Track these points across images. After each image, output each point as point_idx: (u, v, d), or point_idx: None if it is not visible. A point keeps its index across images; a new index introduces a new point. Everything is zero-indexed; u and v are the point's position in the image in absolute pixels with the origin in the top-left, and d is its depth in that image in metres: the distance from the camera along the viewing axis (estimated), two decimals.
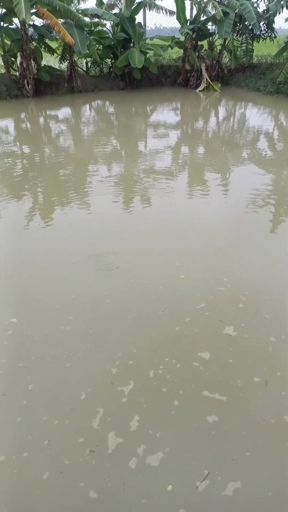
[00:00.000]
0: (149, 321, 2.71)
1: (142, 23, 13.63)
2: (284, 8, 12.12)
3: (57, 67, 13.46)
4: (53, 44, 12.92)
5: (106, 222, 4.21)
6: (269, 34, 13.60)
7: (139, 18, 13.18)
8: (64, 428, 1.93)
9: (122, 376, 2.23)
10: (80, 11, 11.91)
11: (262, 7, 13.08)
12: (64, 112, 10.94)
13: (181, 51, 13.80)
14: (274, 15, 12.28)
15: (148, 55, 13.10)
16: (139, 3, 12.54)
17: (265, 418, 2.08)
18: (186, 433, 1.95)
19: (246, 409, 2.11)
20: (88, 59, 13.69)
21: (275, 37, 13.73)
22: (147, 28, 14.04)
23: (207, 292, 3.00)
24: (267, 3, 12.87)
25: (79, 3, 12.35)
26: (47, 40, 12.43)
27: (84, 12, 12.06)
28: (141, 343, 2.50)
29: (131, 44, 13.00)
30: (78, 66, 13.19)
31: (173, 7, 12.79)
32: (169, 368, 2.30)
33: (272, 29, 13.48)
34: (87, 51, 12.05)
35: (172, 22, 13.28)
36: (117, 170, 5.91)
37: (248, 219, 4.26)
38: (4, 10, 11.24)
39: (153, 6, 12.36)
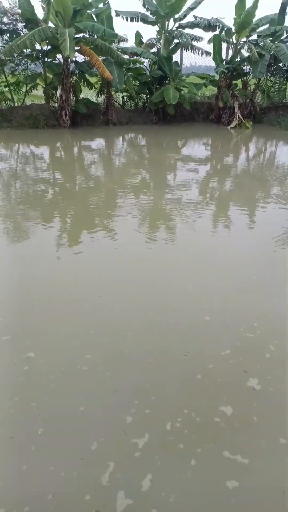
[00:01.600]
0: (170, 365, 2.58)
1: (179, 62, 14.14)
2: None
3: (94, 100, 14.06)
4: (92, 79, 13.56)
5: (131, 258, 4.16)
6: None
7: (176, 57, 13.71)
8: (71, 481, 1.81)
9: (137, 427, 2.10)
10: (120, 50, 12.51)
11: None
12: (98, 142, 11.30)
13: (215, 88, 14.13)
14: None
15: (182, 92, 13.48)
16: (177, 44, 13.06)
17: None
18: (202, 500, 1.78)
19: (270, 475, 1.92)
20: (125, 93, 14.24)
21: None
22: (183, 66, 14.54)
23: (234, 338, 2.85)
24: None
25: (119, 43, 12.98)
26: (86, 75, 13.06)
27: (124, 51, 12.65)
28: (159, 390, 2.37)
29: (167, 81, 13.45)
30: (115, 100, 13.72)
31: (208, 47, 13.25)
32: (188, 422, 2.15)
33: None
34: (124, 86, 12.54)
35: (208, 61, 13.68)
36: (144, 200, 5.93)
37: (277, 258, 4.11)
38: (49, 47, 11.96)
39: (190, 47, 12.82)
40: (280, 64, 13.22)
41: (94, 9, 11.76)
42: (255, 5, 11.76)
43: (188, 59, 14.95)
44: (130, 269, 3.88)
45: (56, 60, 12.39)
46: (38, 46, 11.89)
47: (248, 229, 4.96)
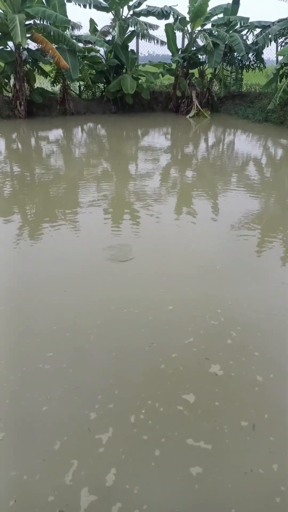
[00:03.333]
0: (134, 357, 2.58)
1: (135, 50, 13.97)
2: (272, 41, 12.61)
3: (50, 89, 13.62)
4: (47, 68, 13.12)
5: (95, 247, 4.11)
6: (258, 65, 14.07)
7: (132, 45, 13.55)
8: (34, 484, 1.76)
9: (101, 422, 2.08)
10: (74, 37, 12.16)
11: (251, 39, 13.57)
12: (56, 133, 10.99)
13: (173, 77, 14.13)
14: (263, 47, 12.75)
15: (140, 81, 13.36)
16: (132, 32, 12.89)
17: (253, 468, 1.94)
18: (167, 488, 1.80)
19: (233, 458, 1.97)
20: (81, 82, 13.91)
21: (264, 67, 14.21)
22: (140, 54, 14.41)
23: (198, 326, 2.89)
24: (255, 36, 13.37)
25: (73, 30, 12.61)
26: (40, 64, 12.61)
27: (78, 38, 12.32)
28: (123, 383, 2.36)
29: (124, 70, 13.27)
30: (71, 89, 13.37)
31: (164, 36, 13.16)
32: (152, 413, 2.16)
33: (261, 60, 13.96)
34: (79, 76, 12.24)
35: (165, 50, 13.62)
36: (107, 192, 5.85)
37: (238, 246, 4.21)
38: None
39: (145, 35, 12.69)
40: (235, 54, 13.41)
41: None
42: None
43: (145, 48, 14.86)
44: (92, 262, 3.82)
45: (8, 48, 11.84)
46: None
47: (209, 218, 5.03)
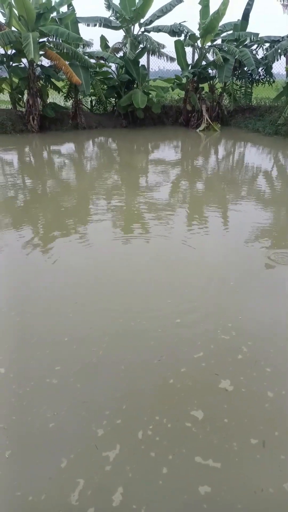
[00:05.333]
0: (143, 371, 2.56)
1: (146, 66, 14.23)
2: (282, 56, 12.71)
3: (62, 104, 13.91)
4: (59, 84, 13.42)
5: (104, 263, 4.12)
6: (268, 79, 14.20)
7: (143, 61, 13.80)
8: (39, 505, 1.73)
9: (108, 439, 2.05)
10: (86, 54, 12.45)
11: (260, 53, 13.74)
12: (68, 147, 11.17)
13: (183, 92, 14.30)
14: (272, 62, 12.85)
15: (150, 95, 13.56)
16: (143, 48, 13.13)
17: (263, 488, 1.89)
18: (174, 508, 1.76)
19: (242, 477, 1.92)
20: (93, 97, 14.17)
21: (273, 81, 14.32)
22: (151, 70, 14.65)
23: (208, 340, 2.86)
24: (265, 51, 13.53)
25: (84, 47, 12.91)
26: (53, 80, 12.92)
27: (90, 55, 12.60)
28: (131, 398, 2.34)
29: (135, 85, 13.50)
30: (83, 104, 13.63)
31: (174, 52, 13.38)
32: (160, 429, 2.13)
33: (271, 74, 14.09)
34: (92, 91, 12.49)
35: (176, 65, 13.82)
36: (117, 202, 5.90)
37: (249, 259, 4.17)
38: (13, 51, 11.75)
39: (156, 51, 12.91)
40: (245, 68, 13.54)
41: (58, 13, 11.67)
42: (221, 12, 11.96)
43: (156, 63, 15.09)
44: (102, 274, 3.83)
45: (22, 64, 12.18)
46: (1, 51, 11.65)
47: (220, 230, 5.01)
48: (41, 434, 2.10)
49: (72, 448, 2.01)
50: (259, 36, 13.08)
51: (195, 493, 1.83)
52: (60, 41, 11.14)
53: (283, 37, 12.71)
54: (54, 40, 11.23)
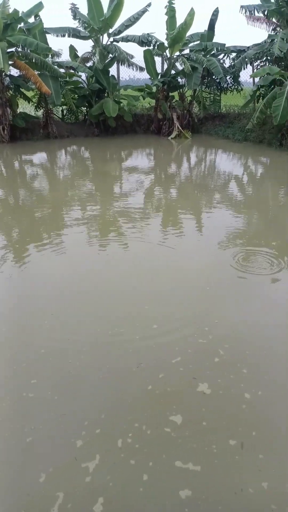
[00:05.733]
0: (122, 379, 2.55)
1: (116, 75, 14.36)
2: (248, 64, 13.17)
3: (33, 114, 13.81)
4: (29, 93, 13.35)
5: (79, 269, 4.10)
6: (236, 87, 14.65)
7: (113, 70, 13.92)
8: None
9: (87, 449, 2.03)
10: (55, 63, 12.45)
11: (227, 62, 14.17)
12: (39, 156, 11.09)
13: (154, 101, 14.50)
14: (239, 70, 13.28)
15: (122, 104, 13.68)
16: (113, 58, 13.26)
17: (243, 488, 1.91)
18: None
19: (222, 478, 1.94)
20: (64, 107, 14.15)
21: (241, 89, 14.78)
22: (121, 78, 14.79)
23: (185, 345, 2.89)
24: (232, 60, 13.97)
25: (52, 57, 12.90)
26: (23, 90, 12.83)
27: (60, 64, 12.61)
28: (110, 407, 2.32)
29: (106, 94, 13.59)
30: (54, 114, 13.59)
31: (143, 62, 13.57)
32: (139, 436, 2.12)
33: (238, 83, 14.56)
34: (62, 100, 12.47)
35: (146, 74, 14.02)
36: (92, 211, 5.88)
37: (223, 264, 4.25)
38: None
39: (125, 61, 13.05)
40: (213, 77, 13.91)
41: (25, 24, 11.65)
42: (188, 23, 12.26)
43: (126, 73, 15.25)
44: (78, 283, 3.81)
45: None
46: None
47: (194, 236, 5.09)
48: (18, 450, 2.05)
49: (51, 461, 1.98)
50: (226, 46, 13.48)
51: (176, 497, 1.83)
52: (29, 51, 11.10)
53: (248, 47, 13.15)
54: (22, 50, 11.19)
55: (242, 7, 11.99)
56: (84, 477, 1.89)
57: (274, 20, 11.93)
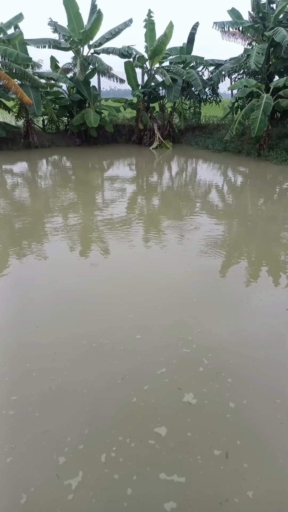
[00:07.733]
0: (106, 392, 2.51)
1: (97, 86, 14.46)
2: (226, 77, 13.51)
3: (13, 123, 13.72)
4: (9, 103, 13.27)
5: (62, 281, 4.05)
6: (215, 99, 14.98)
7: (94, 81, 14.01)
8: None
9: (70, 466, 1.98)
10: (36, 74, 12.44)
11: (206, 75, 14.49)
12: (20, 166, 10.99)
13: (135, 111, 14.65)
14: (218, 82, 13.60)
15: (103, 114, 13.76)
16: (93, 69, 13.36)
17: (228, 498, 1.90)
18: None
19: (207, 489, 1.93)
20: (45, 117, 14.12)
21: (220, 101, 15.12)
22: (102, 89, 14.89)
23: (170, 355, 2.87)
24: (210, 72, 14.31)
25: (33, 68, 12.90)
26: (3, 100, 12.74)
27: (40, 75, 12.61)
28: (94, 422, 2.28)
29: (87, 105, 13.64)
30: (35, 123, 13.53)
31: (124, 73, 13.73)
32: (123, 449, 2.09)
33: (217, 94, 14.90)
34: (43, 111, 12.45)
35: (127, 85, 14.17)
36: (74, 221, 5.85)
37: (205, 272, 4.28)
38: None
39: (106, 72, 13.16)
40: (193, 89, 14.18)
41: (5, 35, 11.64)
42: (168, 35, 12.48)
43: (107, 84, 15.37)
44: (61, 295, 3.75)
45: None
46: None
47: (176, 245, 5.11)
48: None
49: (32, 481, 1.92)
50: (204, 59, 13.80)
51: (161, 510, 1.81)
52: (9, 61, 11.07)
53: (226, 60, 13.51)
54: (2, 60, 11.14)
55: (215, 23, 12.26)
56: (67, 494, 1.84)
57: (249, 35, 12.28)
